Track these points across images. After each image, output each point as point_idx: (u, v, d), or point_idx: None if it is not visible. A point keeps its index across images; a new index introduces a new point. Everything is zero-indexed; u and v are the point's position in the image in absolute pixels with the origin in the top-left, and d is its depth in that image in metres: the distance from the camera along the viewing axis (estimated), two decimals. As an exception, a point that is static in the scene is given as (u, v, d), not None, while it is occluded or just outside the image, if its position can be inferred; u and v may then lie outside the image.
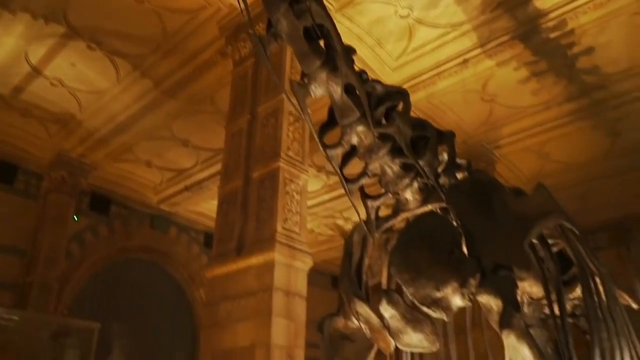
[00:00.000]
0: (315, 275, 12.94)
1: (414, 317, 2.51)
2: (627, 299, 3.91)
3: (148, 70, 7.92)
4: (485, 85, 8.19)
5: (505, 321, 2.23)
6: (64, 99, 8.68)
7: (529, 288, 3.09)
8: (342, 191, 10.93)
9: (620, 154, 9.81)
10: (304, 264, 5.11)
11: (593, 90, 8.25)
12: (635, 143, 9.47)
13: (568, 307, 3.19)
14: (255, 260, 4.98)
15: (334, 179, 10.38)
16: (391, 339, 2.55)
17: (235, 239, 5.32)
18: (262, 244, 5.01)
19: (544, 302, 3.42)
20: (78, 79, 8.22)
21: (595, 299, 3.01)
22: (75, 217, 10.36)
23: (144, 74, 7.98)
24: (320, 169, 10.12)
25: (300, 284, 5.02)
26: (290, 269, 4.95)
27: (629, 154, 9.78)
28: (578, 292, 3.53)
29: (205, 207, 11.61)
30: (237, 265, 5.14)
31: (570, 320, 2.85)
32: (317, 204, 11.27)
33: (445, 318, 2.48)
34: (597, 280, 3.17)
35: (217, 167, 8.03)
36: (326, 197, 11.17)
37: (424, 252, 2.48)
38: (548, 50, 7.42)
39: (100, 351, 10.37)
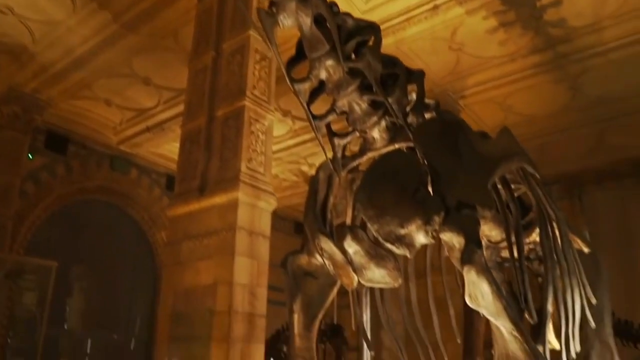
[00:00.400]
0: (278, 220, 13.04)
1: (377, 253, 2.54)
2: (579, 243, 4.07)
3: (107, 1, 7.50)
4: (454, 34, 8.13)
5: (467, 257, 2.28)
6: (15, 29, 8.16)
7: (489, 232, 3.17)
8: (307, 137, 10.92)
9: (578, 109, 10.04)
10: (268, 204, 5.11)
11: (558, 44, 8.31)
12: (593, 98, 9.69)
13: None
14: (218, 199, 4.94)
15: (300, 124, 10.29)
16: (354, 275, 2.58)
17: (198, 178, 5.25)
18: (226, 184, 4.96)
19: (502, 245, 3.53)
20: (30, 7, 7.72)
21: (551, 240, 3.11)
22: (29, 155, 10.00)
23: (102, 5, 7.55)
24: (285, 113, 9.99)
25: (264, 224, 5.03)
26: (254, 209, 4.94)
27: (586, 109, 10.02)
28: (533, 236, 3.65)
29: (168, 149, 11.37)
30: (200, 205, 5.09)
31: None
32: (282, 149, 11.18)
33: (408, 255, 2.52)
34: (554, 223, 3.27)
35: (180, 108, 7.81)
36: (291, 142, 11.09)
37: (390, 189, 2.49)
38: (517, 0, 7.39)
39: (60, 293, 10.30)
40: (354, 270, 2.54)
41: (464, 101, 9.80)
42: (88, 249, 11.20)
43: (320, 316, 2.82)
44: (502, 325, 2.36)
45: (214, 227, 4.89)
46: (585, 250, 4.09)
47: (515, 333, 2.33)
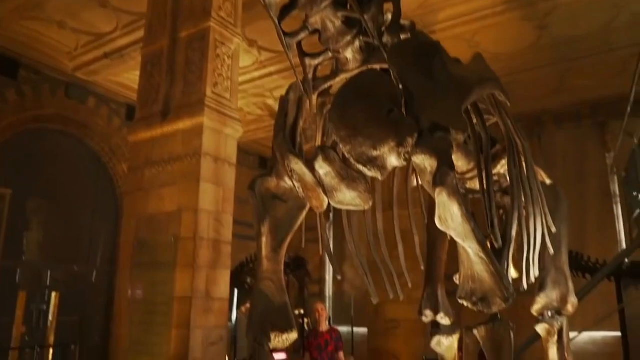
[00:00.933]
0: (243, 155, 12.87)
1: (348, 175, 2.50)
2: (542, 175, 4.16)
3: None
4: (426, -35, 7.91)
5: (439, 179, 2.27)
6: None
7: (456, 162, 3.17)
8: (274, 69, 10.65)
9: (544, 49, 10.05)
10: (235, 131, 4.97)
11: (529, -21, 8.20)
12: (559, 38, 9.69)
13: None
14: (182, 124, 4.78)
15: (266, 55, 9.96)
16: (324, 197, 2.54)
17: (160, 103, 5.05)
18: (190, 108, 4.78)
19: (467, 177, 3.57)
20: None
21: (518, 169, 3.15)
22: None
23: None
24: (252, 43, 9.63)
25: (230, 151, 4.92)
26: (220, 135, 4.81)
27: (551, 49, 10.04)
28: (497, 168, 3.70)
29: (127, 78, 10.88)
30: (162, 130, 4.92)
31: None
32: (247, 81, 10.86)
33: (379, 177, 2.49)
34: (521, 153, 3.31)
35: (140, 33, 7.39)
36: (257, 74, 10.77)
37: (363, 109, 2.42)
38: None
39: (17, 227, 10.05)
40: (324, 192, 2.50)
41: (433, 37, 9.64)
42: (45, 181, 10.85)
43: (288, 240, 2.80)
44: (469, 247, 2.39)
45: (177, 153, 4.76)
46: (547, 182, 4.19)
47: (481, 255, 2.37)
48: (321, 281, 15.36)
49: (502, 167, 3.77)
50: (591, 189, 12.43)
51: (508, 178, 3.68)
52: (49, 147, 11.08)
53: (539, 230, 3.27)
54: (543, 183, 3.97)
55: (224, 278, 4.86)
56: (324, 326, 5.71)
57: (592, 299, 7.64)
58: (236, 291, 12.16)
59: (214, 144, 4.73)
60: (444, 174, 2.25)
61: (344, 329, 5.70)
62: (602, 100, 12.23)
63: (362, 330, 12.49)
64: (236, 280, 11.04)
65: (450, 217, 2.32)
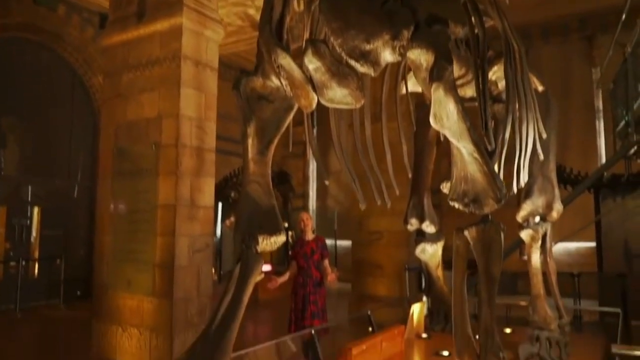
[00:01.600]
0: (224, 69, 12.46)
1: (340, 70, 2.35)
2: (535, 82, 4.05)
3: None
4: None
5: (436, 73, 2.15)
6: None
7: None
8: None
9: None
10: (216, 33, 4.70)
11: None
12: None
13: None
14: (159, 25, 4.49)
15: (246, -42, 9.37)
16: (313, 96, 2.41)
17: (135, 3, 4.72)
18: (168, 9, 4.48)
19: (458, 83, 3.43)
20: None
21: (514, 71, 3.04)
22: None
23: None
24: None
25: (211, 55, 4.67)
26: (200, 38, 4.54)
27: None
28: (489, 75, 3.58)
29: (98, -16, 10.26)
30: (138, 32, 4.63)
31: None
32: (226, -13, 10.30)
33: (372, 73, 2.36)
34: (516, 55, 3.19)
35: None
36: (236, -20, 10.20)
37: (356, -1, 2.24)
38: None
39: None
40: (314, 90, 2.36)
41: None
42: (18, 96, 10.45)
43: (275, 142, 2.68)
44: (464, 147, 2.32)
45: (156, 56, 4.51)
46: (540, 88, 4.09)
47: (475, 155, 2.31)
48: (305, 196, 15.50)
49: (493, 74, 3.65)
50: (575, 104, 12.45)
51: (500, 84, 3.58)
52: (20, 58, 10.57)
53: (530, 135, 3.21)
54: (535, 90, 3.87)
55: (209, 186, 4.78)
56: (310, 235, 5.74)
57: (568, 211, 7.80)
58: (220, 205, 12.24)
59: (194, 46, 4.47)
60: (441, 68, 2.14)
61: (327, 243, 5.78)
62: (591, 12, 11.94)
63: (346, 243, 12.79)
64: (220, 194, 11.06)
65: (446, 115, 2.23)
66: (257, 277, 2.28)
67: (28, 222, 11.11)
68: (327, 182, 3.34)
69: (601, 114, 12.61)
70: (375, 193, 3.30)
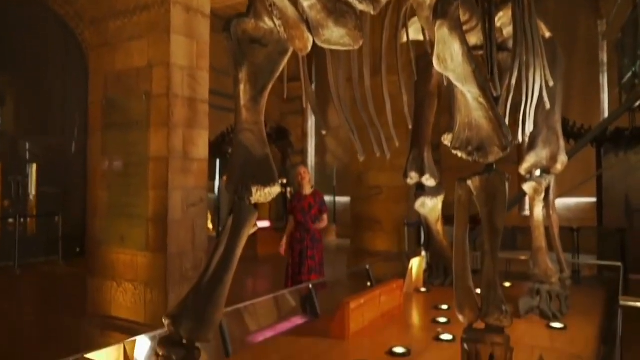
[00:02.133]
0: (217, 22, 12.12)
1: (337, 8, 2.18)
2: (542, 28, 3.88)
3: None
4: None
5: (441, 9, 1.99)
6: None
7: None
8: None
9: None
10: (206, -23, 4.49)
11: None
12: None
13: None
14: (146, -32, 4.28)
15: None
16: (309, 37, 2.25)
17: (120, -59, 4.48)
18: (155, -52, 4.26)
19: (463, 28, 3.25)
20: None
21: (523, 14, 2.89)
22: None
23: None
24: None
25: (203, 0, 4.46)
26: (190, -19, 4.34)
27: None
28: (494, 21, 3.40)
29: None
30: (125, -25, 4.42)
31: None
32: None
33: (372, 11, 2.19)
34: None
35: None
36: None
37: None
38: None
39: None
40: (309, 30, 2.20)
41: None
42: (9, 52, 10.18)
43: (269, 88, 2.53)
44: (469, 91, 2.18)
45: (144, 2, 4.29)
46: (547, 35, 3.92)
47: (481, 99, 2.17)
48: (303, 152, 15.39)
49: (498, 20, 3.47)
50: (579, 58, 12.18)
51: (505, 30, 3.40)
52: (9, 14, 10.24)
53: (537, 82, 3.08)
54: (542, 36, 3.70)
55: (202, 138, 4.65)
56: (307, 189, 5.66)
57: (569, 166, 7.71)
58: (218, 161, 12.13)
59: (184, -10, 4.26)
60: (446, 4, 1.98)
61: (326, 199, 5.71)
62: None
63: (344, 199, 12.75)
64: (218, 150, 10.93)
65: (450, 56, 2.08)
66: (251, 230, 2.18)
67: (23, 178, 11.04)
68: (324, 132, 3.21)
69: (605, 68, 12.36)
70: (375, 145, 3.18)
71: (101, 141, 4.85)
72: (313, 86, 2.85)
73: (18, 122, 11.01)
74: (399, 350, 2.62)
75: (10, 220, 10.37)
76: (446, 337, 2.85)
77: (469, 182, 2.29)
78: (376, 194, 8.91)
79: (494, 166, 2.30)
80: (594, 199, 9.41)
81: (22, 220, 10.40)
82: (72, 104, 11.44)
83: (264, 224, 12.50)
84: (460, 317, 2.15)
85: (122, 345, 2.04)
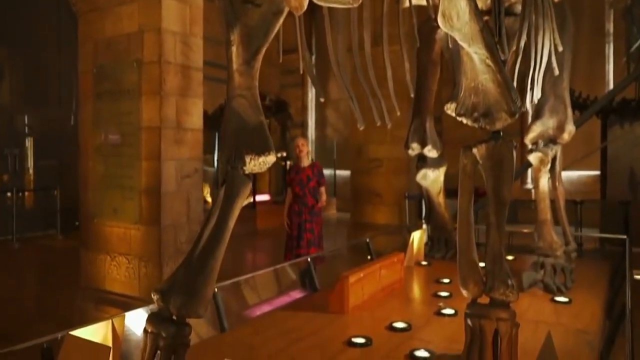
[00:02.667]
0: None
1: (334, -37, 2.05)
2: (551, -8, 3.70)
3: None
4: None
5: (446, -38, 1.85)
6: None
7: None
8: None
9: None
10: (199, -64, 4.29)
11: None
12: None
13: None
14: None
15: None
16: (304, -5, 2.11)
17: None
18: None
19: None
20: None
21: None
22: None
23: None
24: None
25: (195, -40, 4.28)
26: (181, -60, 4.14)
27: None
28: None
29: None
30: (114, -64, 4.22)
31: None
32: None
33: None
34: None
35: None
36: None
37: None
38: None
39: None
40: (305, -13, 2.06)
41: None
42: (2, 25, 9.95)
43: (263, 51, 2.38)
44: (475, 53, 2.04)
45: (133, -36, 4.12)
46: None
47: (488, 62, 2.04)
48: (304, 125, 15.21)
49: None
50: (585, 28, 11.92)
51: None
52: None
53: (546, 46, 2.93)
54: (552, -1, 3.53)
55: (197, 107, 4.51)
56: (306, 161, 5.54)
57: (573, 138, 7.61)
58: (217, 134, 11.97)
59: (175, -50, 4.07)
60: (452, -42, 1.84)
61: (326, 172, 5.59)
62: None
63: (345, 173, 12.63)
64: (216, 123, 10.77)
65: (456, 14, 1.94)
66: (244, 201, 2.06)
67: (22, 152, 10.93)
68: (322, 100, 3.08)
69: (611, 38, 12.10)
70: (376, 114, 3.05)
71: (93, 111, 4.71)
72: (313, 58, 2.71)
73: (14, 94, 10.83)
74: (400, 324, 2.55)
75: (8, 194, 10.27)
76: (448, 311, 2.77)
77: (475, 150, 2.17)
78: (376, 167, 8.80)
79: (501, 133, 2.18)
80: (597, 172, 9.28)
81: (20, 194, 10.31)
82: (67, 75, 11.24)
83: (264, 197, 12.41)
84: (464, 292, 2.06)
85: (109, 322, 1.95)
